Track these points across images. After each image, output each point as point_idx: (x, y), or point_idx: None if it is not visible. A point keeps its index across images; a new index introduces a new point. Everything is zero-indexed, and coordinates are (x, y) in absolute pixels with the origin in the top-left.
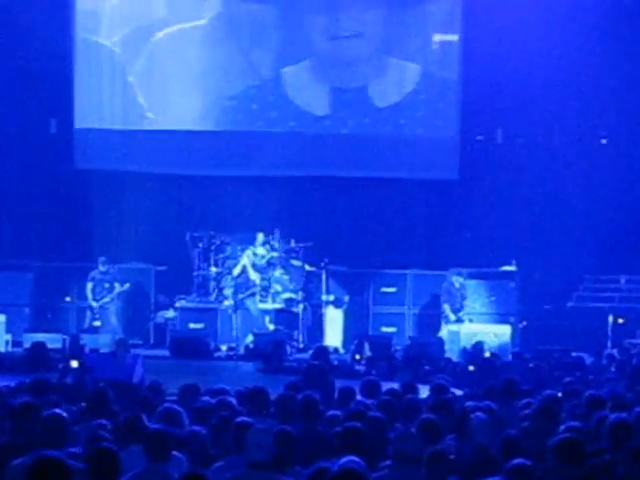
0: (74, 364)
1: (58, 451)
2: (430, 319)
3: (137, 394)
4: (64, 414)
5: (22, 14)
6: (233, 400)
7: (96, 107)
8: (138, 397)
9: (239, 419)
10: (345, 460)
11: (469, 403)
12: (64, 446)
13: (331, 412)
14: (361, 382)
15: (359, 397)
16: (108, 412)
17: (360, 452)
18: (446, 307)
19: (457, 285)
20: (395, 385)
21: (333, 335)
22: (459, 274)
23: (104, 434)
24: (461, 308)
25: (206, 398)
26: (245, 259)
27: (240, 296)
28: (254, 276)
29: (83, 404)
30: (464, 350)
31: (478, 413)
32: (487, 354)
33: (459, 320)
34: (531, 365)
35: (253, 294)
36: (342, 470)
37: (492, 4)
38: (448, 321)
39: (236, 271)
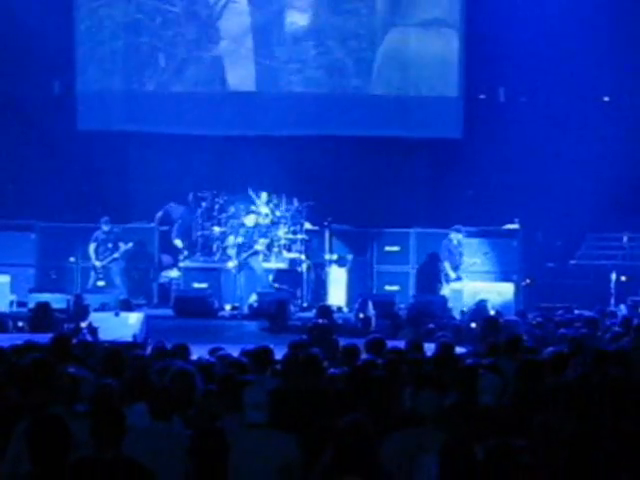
0: (83, 325)
1: (68, 410)
2: (433, 277)
3: (141, 353)
4: (78, 373)
5: None
6: (236, 358)
7: (98, 68)
8: (142, 356)
9: (239, 377)
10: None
11: (472, 360)
12: (73, 404)
13: (333, 370)
14: (366, 340)
15: (364, 355)
16: (119, 372)
17: (364, 410)
18: (446, 265)
19: (455, 242)
20: (399, 343)
21: (337, 294)
22: (457, 231)
23: (109, 392)
24: (460, 265)
25: (207, 357)
26: (247, 218)
27: (244, 255)
28: (257, 236)
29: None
30: (463, 311)
31: (483, 371)
32: (492, 312)
33: (459, 278)
34: (534, 322)
35: (256, 253)
36: (348, 424)
37: None
38: (449, 279)
39: (239, 231)
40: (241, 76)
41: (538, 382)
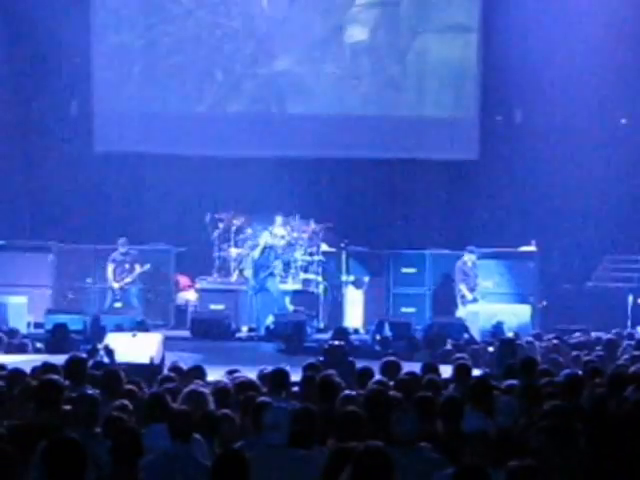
0: (101, 346)
1: (87, 432)
2: (450, 299)
3: (158, 375)
4: (95, 395)
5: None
6: (253, 380)
7: (115, 89)
8: (159, 378)
9: (258, 399)
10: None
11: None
12: (93, 427)
13: (347, 392)
14: (381, 362)
15: (378, 377)
16: (122, 393)
17: (378, 433)
18: (462, 287)
19: (470, 264)
20: (415, 365)
21: (353, 316)
22: (471, 252)
23: (124, 414)
24: (475, 287)
25: (224, 379)
26: (264, 240)
27: (260, 277)
28: (274, 257)
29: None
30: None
31: (499, 393)
32: (510, 334)
33: (475, 300)
34: (550, 345)
35: (273, 274)
36: (367, 449)
37: None
38: (465, 301)
39: (256, 253)
40: (255, 97)
41: (554, 405)
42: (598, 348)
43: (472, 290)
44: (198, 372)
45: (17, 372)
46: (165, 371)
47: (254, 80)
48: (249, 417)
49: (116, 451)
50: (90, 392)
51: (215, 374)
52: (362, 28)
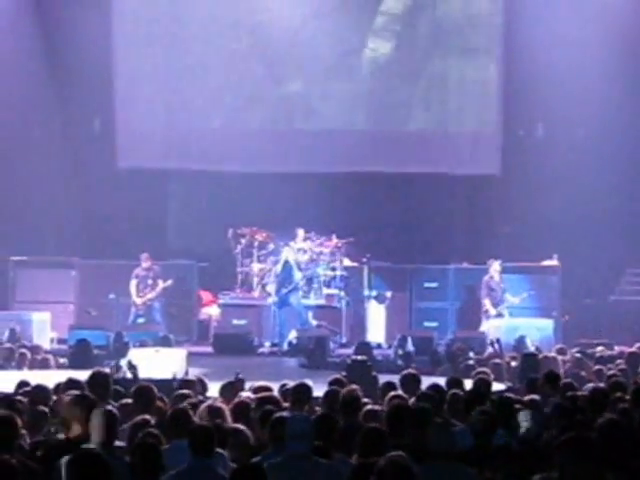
0: (124, 362)
1: (108, 446)
2: (472, 314)
3: (180, 390)
4: (115, 410)
5: (64, 16)
6: (275, 395)
7: (138, 106)
8: (181, 393)
9: (278, 414)
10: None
11: (512, 397)
12: (113, 442)
13: (370, 407)
14: (400, 375)
15: (393, 392)
16: (153, 409)
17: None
18: (486, 302)
19: (497, 278)
20: (438, 380)
21: (376, 330)
22: (496, 259)
23: (148, 429)
24: (501, 302)
25: (247, 394)
26: (286, 255)
27: (283, 292)
28: (296, 272)
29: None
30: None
31: (522, 407)
32: (531, 348)
33: (499, 315)
34: (573, 359)
35: (296, 290)
36: (389, 462)
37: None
38: (489, 316)
39: (278, 268)
40: (277, 112)
41: (578, 419)
42: (620, 362)
43: (497, 305)
44: (200, 385)
45: (40, 388)
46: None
47: (274, 96)
48: (268, 431)
49: (136, 467)
50: (108, 407)
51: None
52: (380, 45)
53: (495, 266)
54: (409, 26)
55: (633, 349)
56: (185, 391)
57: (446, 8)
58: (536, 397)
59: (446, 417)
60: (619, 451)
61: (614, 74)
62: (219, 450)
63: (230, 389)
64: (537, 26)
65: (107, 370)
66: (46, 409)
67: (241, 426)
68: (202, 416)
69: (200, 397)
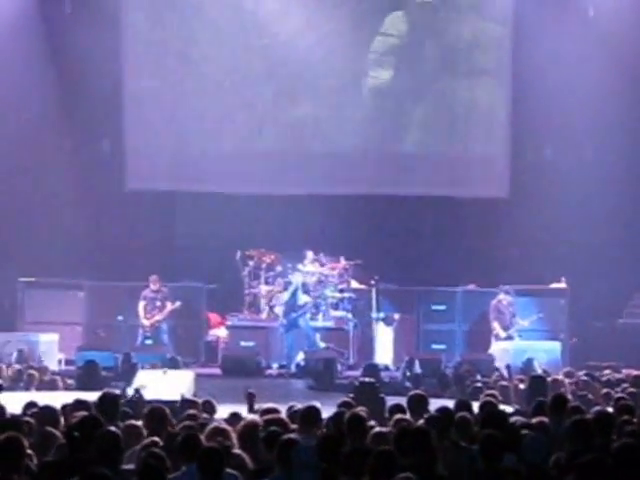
0: (131, 389)
1: (113, 468)
2: (480, 336)
3: (188, 412)
4: (118, 432)
5: (74, 38)
6: (282, 417)
7: (146, 128)
8: (189, 415)
9: (285, 436)
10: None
11: (519, 419)
12: (119, 464)
13: (378, 429)
14: (408, 397)
15: (399, 415)
16: (164, 430)
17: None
18: (496, 325)
19: (505, 302)
20: (446, 402)
21: (383, 352)
22: (507, 293)
23: (155, 451)
24: (511, 325)
25: (254, 416)
26: (295, 281)
27: (292, 315)
28: (304, 296)
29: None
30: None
31: (530, 430)
32: (539, 370)
33: (509, 337)
34: (581, 382)
35: (304, 311)
36: None
37: (541, 24)
38: (498, 338)
39: (286, 295)
40: (282, 135)
41: (587, 442)
42: (626, 385)
43: (507, 328)
44: (208, 406)
45: (48, 409)
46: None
47: (282, 119)
48: (276, 454)
49: None
50: (113, 429)
51: (245, 411)
52: (387, 68)
53: (505, 296)
54: (418, 49)
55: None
56: (192, 411)
57: (455, 31)
58: (545, 419)
59: (454, 439)
60: (635, 476)
61: (622, 98)
62: (230, 471)
63: (238, 417)
64: (545, 50)
65: (116, 391)
66: (54, 430)
67: (237, 450)
68: (208, 437)
69: (206, 416)
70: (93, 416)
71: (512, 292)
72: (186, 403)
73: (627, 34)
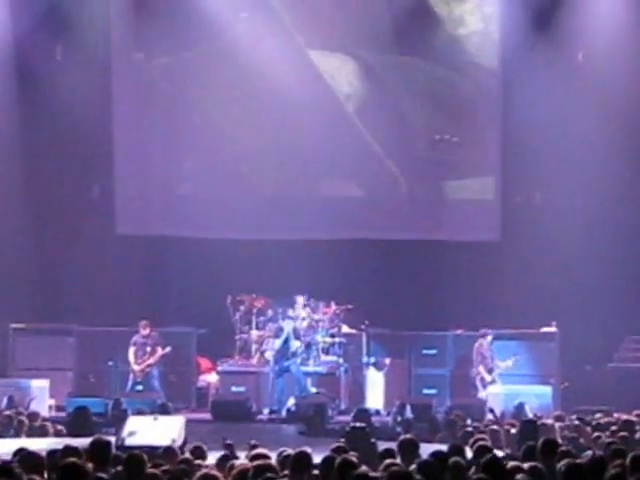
0: (126, 430)
1: None
2: (467, 381)
3: (179, 458)
4: (106, 477)
5: (64, 84)
6: (272, 463)
7: (136, 173)
8: (180, 461)
9: None
10: None
11: (512, 464)
12: None
13: (370, 474)
14: (398, 441)
15: (390, 460)
16: (142, 476)
17: None
18: (481, 369)
19: (485, 346)
20: (436, 447)
21: (374, 397)
22: (484, 335)
23: None
24: (493, 368)
25: (243, 461)
26: (286, 329)
27: (284, 362)
28: (295, 342)
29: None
30: (492, 410)
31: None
32: (530, 415)
33: (494, 381)
34: (572, 426)
35: (294, 356)
36: None
37: (531, 70)
38: (485, 383)
39: (277, 344)
40: (273, 180)
41: None
42: (614, 429)
43: (491, 371)
44: (198, 452)
45: (32, 455)
46: (186, 454)
47: (271, 163)
48: None
49: None
50: (101, 475)
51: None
52: (379, 111)
53: (481, 340)
54: (406, 101)
55: (630, 416)
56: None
57: (442, 80)
58: (537, 464)
59: None
60: None
61: (612, 143)
62: None
63: (226, 460)
64: (535, 95)
65: (108, 438)
66: (38, 477)
67: None
68: None
69: (198, 462)
70: (76, 463)
71: (490, 333)
72: (168, 451)
73: (617, 80)
